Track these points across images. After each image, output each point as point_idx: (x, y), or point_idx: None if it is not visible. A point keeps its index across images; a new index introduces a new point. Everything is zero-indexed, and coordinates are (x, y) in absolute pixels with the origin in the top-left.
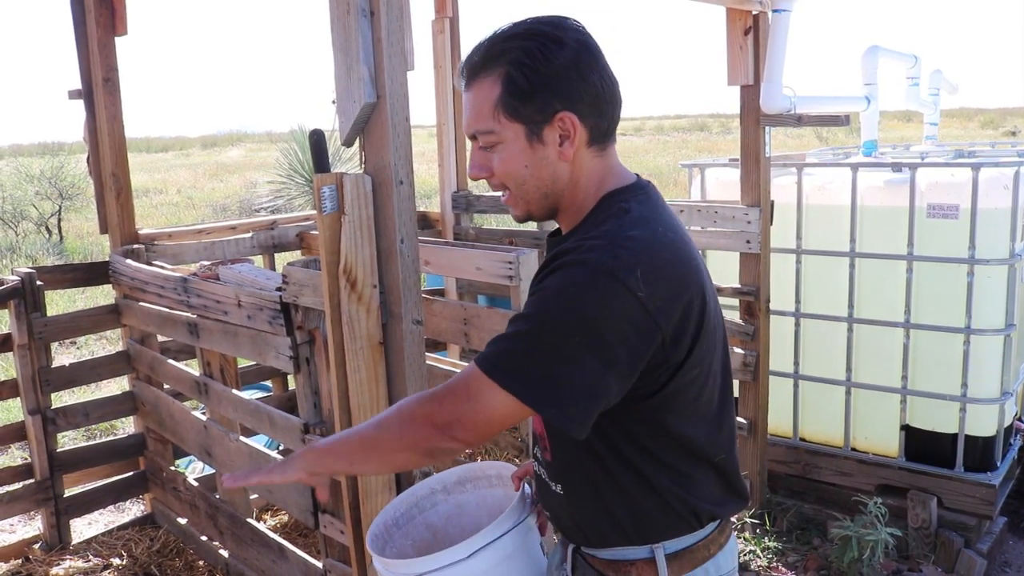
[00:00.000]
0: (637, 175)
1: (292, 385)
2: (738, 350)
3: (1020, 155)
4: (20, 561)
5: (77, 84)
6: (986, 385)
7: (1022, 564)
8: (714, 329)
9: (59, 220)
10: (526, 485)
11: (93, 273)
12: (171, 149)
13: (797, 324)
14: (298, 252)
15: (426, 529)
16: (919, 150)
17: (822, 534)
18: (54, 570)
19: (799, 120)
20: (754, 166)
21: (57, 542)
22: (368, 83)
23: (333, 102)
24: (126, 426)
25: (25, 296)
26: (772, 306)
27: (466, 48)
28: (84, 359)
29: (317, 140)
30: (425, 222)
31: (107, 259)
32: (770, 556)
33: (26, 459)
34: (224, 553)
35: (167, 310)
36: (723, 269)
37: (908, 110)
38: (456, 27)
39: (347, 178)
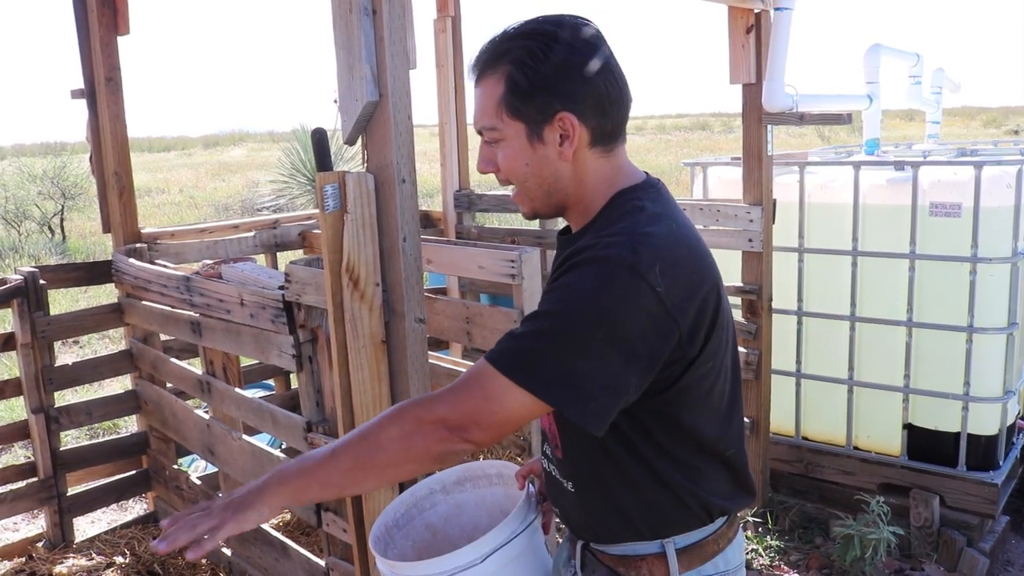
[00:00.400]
0: (647, 173)
1: (295, 384)
2: (740, 349)
3: (1023, 153)
4: (24, 559)
5: (80, 84)
6: (989, 384)
7: None
8: (726, 325)
9: (62, 219)
10: (531, 484)
11: (96, 272)
12: (173, 149)
13: (799, 323)
14: (300, 251)
15: (426, 530)
16: (921, 149)
17: (824, 533)
18: (57, 568)
19: (801, 118)
20: (756, 165)
21: (60, 540)
22: (370, 82)
23: (335, 101)
24: (129, 425)
25: (28, 295)
26: (774, 305)
27: (468, 47)
28: (87, 358)
29: (319, 139)
30: (427, 221)
31: (110, 258)
32: (772, 555)
33: (29, 458)
34: (227, 551)
35: (170, 309)
36: (725, 268)
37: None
38: (458, 26)
39: (350, 177)
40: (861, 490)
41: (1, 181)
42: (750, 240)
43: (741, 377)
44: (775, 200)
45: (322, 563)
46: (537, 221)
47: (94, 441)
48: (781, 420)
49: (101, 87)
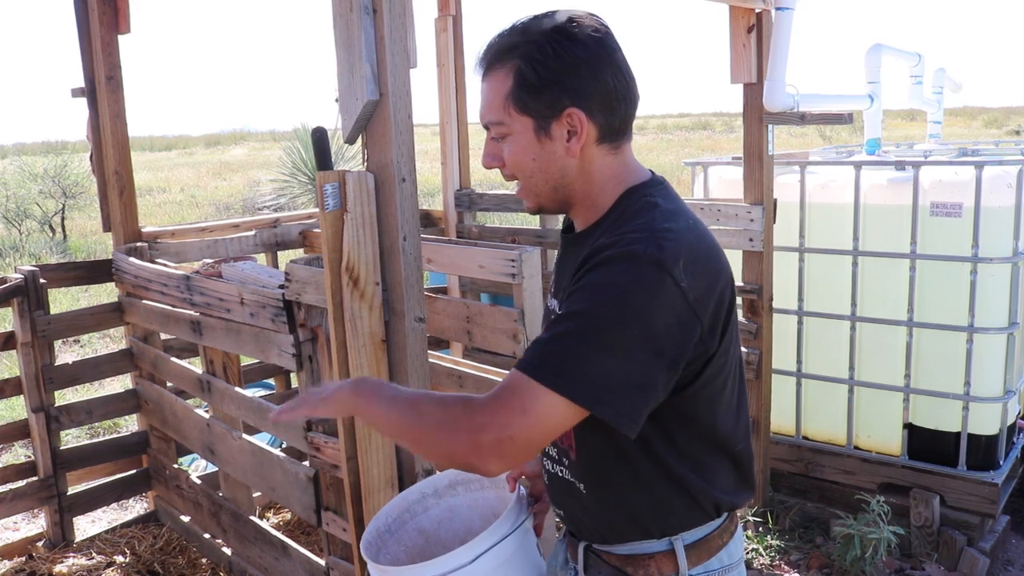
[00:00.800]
0: (652, 171)
1: (295, 383)
2: (742, 348)
3: (1023, 154)
4: (24, 559)
5: (80, 82)
6: (989, 383)
7: None
8: (735, 319)
9: (62, 218)
10: (521, 487)
11: (96, 271)
12: (174, 148)
13: (800, 322)
14: (301, 250)
15: (418, 534)
16: (923, 148)
17: (825, 532)
18: (57, 568)
19: (802, 118)
20: (757, 164)
21: (60, 540)
22: (371, 81)
23: (336, 100)
24: (129, 424)
25: (28, 294)
26: (775, 304)
27: (469, 46)
28: (87, 357)
29: (320, 138)
30: (428, 220)
31: (110, 257)
32: (773, 554)
33: (29, 457)
34: (227, 551)
35: (170, 308)
36: None
37: (912, 108)
38: (459, 25)
39: (350, 176)
40: (861, 490)
41: (2, 180)
42: (751, 240)
43: (744, 371)
44: (776, 200)
45: (322, 562)
46: (538, 220)
47: (94, 440)
48: (781, 420)
49: (102, 86)
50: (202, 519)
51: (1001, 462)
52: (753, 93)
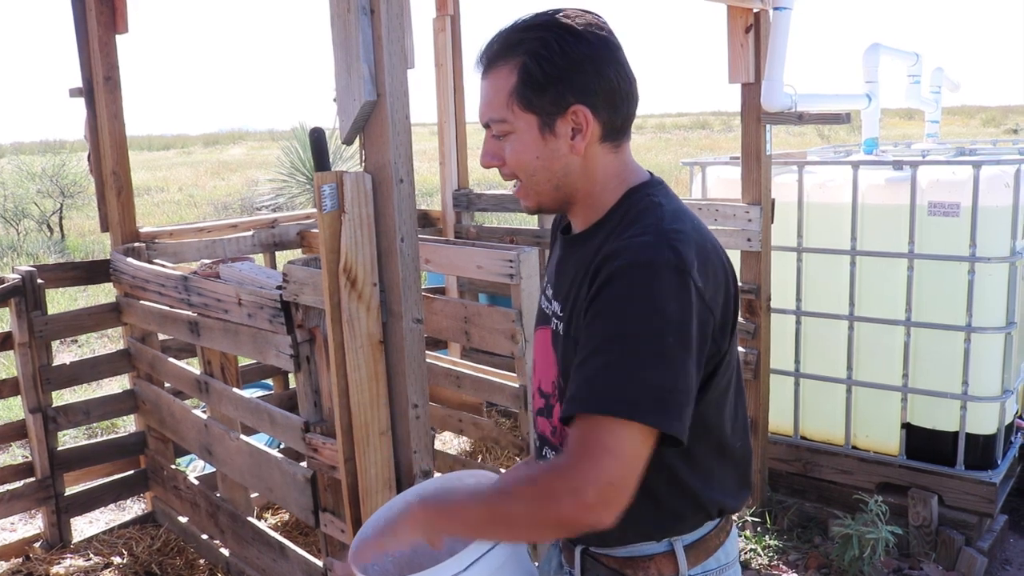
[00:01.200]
0: (650, 172)
1: (292, 383)
2: (739, 348)
3: (1021, 153)
4: (21, 560)
5: (78, 82)
6: (987, 383)
7: (1023, 562)
8: (737, 317)
9: (60, 218)
10: None
11: (94, 271)
12: (172, 147)
13: (798, 322)
14: (299, 250)
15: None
16: (920, 148)
17: (823, 532)
18: (55, 569)
19: (800, 118)
20: (755, 164)
21: (58, 540)
22: (368, 81)
23: (334, 100)
24: (127, 424)
25: (26, 294)
26: (773, 304)
27: (467, 46)
28: (85, 357)
29: (317, 138)
30: (426, 220)
31: (108, 257)
32: (771, 554)
33: (27, 457)
34: (225, 552)
35: (168, 308)
36: None
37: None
38: (457, 25)
39: (347, 176)
40: (860, 489)
41: (0, 179)
42: (749, 239)
43: (742, 369)
44: (774, 199)
45: (320, 563)
46: (536, 220)
47: (92, 441)
48: (779, 420)
49: (99, 86)
50: (200, 520)
51: (999, 461)
52: (751, 93)
